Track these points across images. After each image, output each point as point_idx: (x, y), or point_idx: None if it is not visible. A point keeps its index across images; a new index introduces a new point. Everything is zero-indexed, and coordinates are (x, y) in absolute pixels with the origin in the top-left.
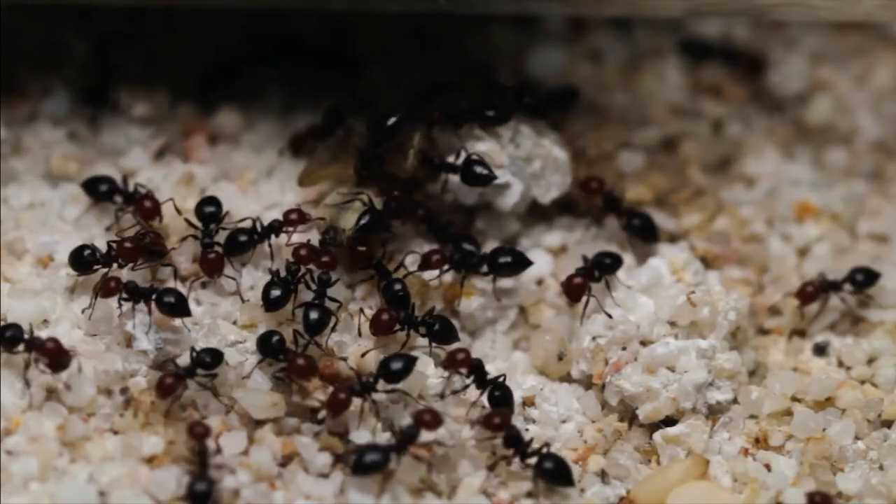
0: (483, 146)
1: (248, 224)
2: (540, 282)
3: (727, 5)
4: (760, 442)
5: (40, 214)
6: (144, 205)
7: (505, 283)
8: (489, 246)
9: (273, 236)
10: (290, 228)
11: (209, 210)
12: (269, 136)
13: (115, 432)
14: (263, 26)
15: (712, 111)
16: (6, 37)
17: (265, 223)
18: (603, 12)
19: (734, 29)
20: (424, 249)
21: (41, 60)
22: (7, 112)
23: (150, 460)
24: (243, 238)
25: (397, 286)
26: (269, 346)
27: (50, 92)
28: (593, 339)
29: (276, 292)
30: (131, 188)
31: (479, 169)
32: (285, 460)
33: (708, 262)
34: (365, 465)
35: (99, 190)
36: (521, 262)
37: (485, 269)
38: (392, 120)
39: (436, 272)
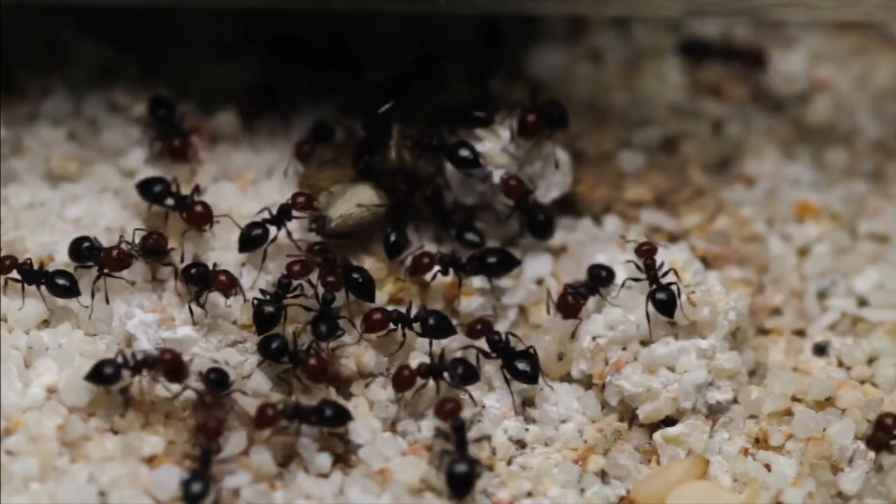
0: (483, 146)
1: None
2: (540, 282)
3: (727, 5)
4: (760, 442)
5: (40, 214)
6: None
7: (504, 282)
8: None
9: (286, 221)
10: (298, 213)
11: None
12: (269, 136)
13: (115, 432)
14: (263, 26)
15: (712, 111)
16: (6, 37)
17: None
18: (603, 12)
19: (734, 29)
20: (424, 247)
21: (41, 60)
22: (7, 112)
23: (150, 460)
24: (257, 231)
25: (356, 274)
26: (270, 351)
27: (50, 92)
28: (593, 339)
29: (269, 309)
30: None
31: (464, 152)
32: (285, 460)
33: (708, 262)
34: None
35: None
36: (509, 262)
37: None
38: (382, 109)
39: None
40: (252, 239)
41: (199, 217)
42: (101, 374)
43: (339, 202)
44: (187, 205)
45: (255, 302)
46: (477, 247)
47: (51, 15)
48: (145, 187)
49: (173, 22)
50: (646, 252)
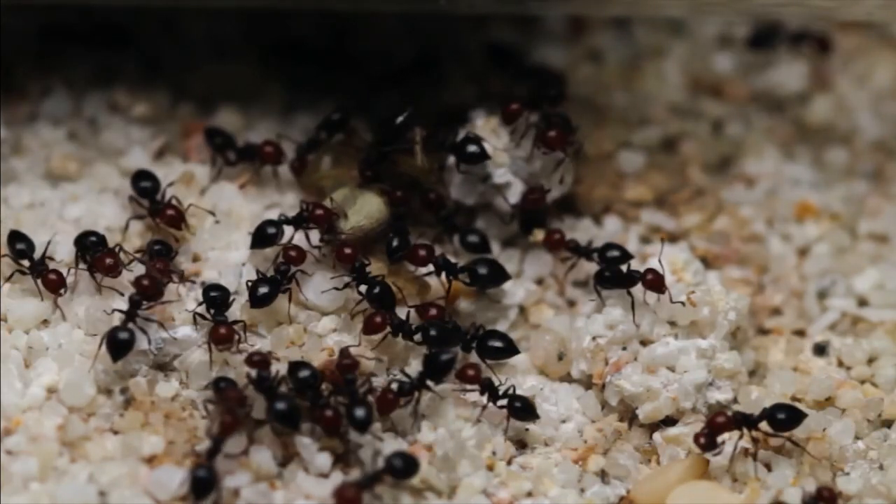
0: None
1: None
2: (540, 282)
3: (727, 5)
4: (760, 442)
5: (40, 214)
6: (167, 213)
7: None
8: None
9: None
10: (315, 225)
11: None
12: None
13: (115, 432)
14: (263, 26)
15: (712, 111)
16: (6, 37)
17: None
18: (603, 12)
19: (734, 28)
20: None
21: (41, 60)
22: (7, 112)
23: (150, 460)
24: (272, 230)
25: (377, 289)
26: (299, 380)
27: (50, 92)
28: (593, 339)
29: (262, 289)
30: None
31: (472, 147)
32: (285, 460)
33: (708, 262)
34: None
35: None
36: (499, 275)
37: (465, 277)
38: (401, 118)
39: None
40: (267, 237)
41: (172, 220)
42: (118, 343)
43: (350, 213)
44: (159, 209)
45: (249, 283)
46: (480, 249)
47: (51, 15)
48: (135, 180)
49: (173, 22)
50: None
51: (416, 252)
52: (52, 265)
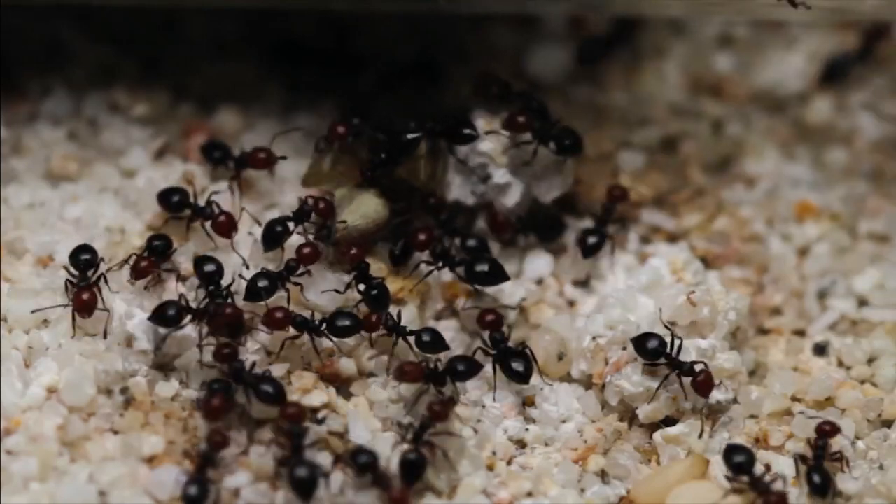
0: (484, 146)
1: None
2: (540, 282)
3: (727, 5)
4: (760, 442)
5: (40, 214)
6: (219, 220)
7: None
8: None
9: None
10: (321, 218)
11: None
12: (269, 136)
13: (115, 432)
14: (264, 26)
15: (712, 111)
16: (6, 37)
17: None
18: (603, 12)
19: (734, 28)
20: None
21: (41, 60)
22: (7, 112)
23: (150, 460)
24: (279, 228)
25: (375, 291)
26: (359, 463)
27: (50, 92)
28: (593, 338)
29: (262, 282)
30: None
31: (466, 130)
32: (285, 460)
33: (708, 262)
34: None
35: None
36: (497, 275)
37: (461, 271)
38: (411, 136)
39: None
40: (276, 235)
41: (224, 227)
42: (164, 316)
43: (346, 212)
44: (210, 215)
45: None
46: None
47: (51, 15)
48: (164, 198)
49: (173, 22)
50: (617, 197)
51: (416, 236)
52: (51, 267)
